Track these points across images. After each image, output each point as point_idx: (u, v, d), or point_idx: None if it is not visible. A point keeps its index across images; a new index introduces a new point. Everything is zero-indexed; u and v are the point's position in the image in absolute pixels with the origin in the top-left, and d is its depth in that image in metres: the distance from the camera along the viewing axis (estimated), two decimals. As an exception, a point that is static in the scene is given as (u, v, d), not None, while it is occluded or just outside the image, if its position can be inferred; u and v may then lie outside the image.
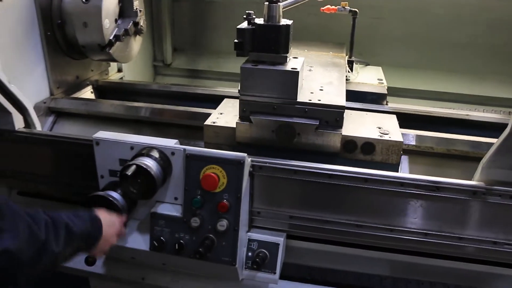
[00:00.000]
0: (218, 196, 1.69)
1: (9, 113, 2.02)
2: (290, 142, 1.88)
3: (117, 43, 2.40)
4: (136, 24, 2.48)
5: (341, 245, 1.90)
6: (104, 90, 2.83)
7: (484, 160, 1.65)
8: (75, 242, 1.49)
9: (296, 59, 1.94)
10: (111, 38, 2.37)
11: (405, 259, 1.88)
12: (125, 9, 2.45)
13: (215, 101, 2.58)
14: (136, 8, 2.47)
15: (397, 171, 1.89)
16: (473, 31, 3.25)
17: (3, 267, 1.23)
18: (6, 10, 2.00)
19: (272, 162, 1.78)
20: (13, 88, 1.99)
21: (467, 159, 2.02)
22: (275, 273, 1.82)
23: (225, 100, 2.27)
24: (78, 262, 1.97)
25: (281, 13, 1.86)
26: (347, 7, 2.52)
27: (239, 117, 1.93)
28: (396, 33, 3.37)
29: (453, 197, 1.66)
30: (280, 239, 1.83)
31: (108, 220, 1.64)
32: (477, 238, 1.71)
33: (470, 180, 1.70)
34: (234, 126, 1.94)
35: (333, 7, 2.55)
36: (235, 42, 1.85)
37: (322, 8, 2.57)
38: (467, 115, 2.39)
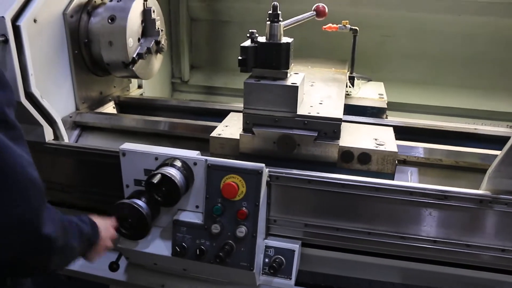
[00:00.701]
0: (238, 204, 1.79)
1: (40, 126, 2.16)
2: (290, 152, 1.99)
3: (140, 60, 2.53)
4: (157, 43, 2.61)
5: (354, 253, 1.97)
6: (125, 105, 2.96)
7: (490, 170, 1.73)
8: (83, 242, 1.57)
9: (297, 75, 2.07)
10: (134, 56, 2.49)
11: (416, 267, 1.94)
12: (147, 29, 2.58)
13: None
14: (158, 28, 2.60)
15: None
16: (479, 47, 3.34)
17: (44, 252, 1.31)
18: (39, 30, 2.13)
19: (287, 172, 1.88)
20: (45, 103, 2.14)
21: (475, 170, 2.09)
22: (290, 278, 1.90)
23: (231, 113, 2.41)
24: (100, 269, 2.09)
25: (282, 32, 1.99)
26: (348, 25, 2.63)
27: (242, 129, 2.06)
28: (405, 50, 3.47)
29: (461, 205, 1.74)
30: (295, 246, 1.92)
31: (103, 224, 1.72)
32: (485, 245, 1.78)
33: (478, 189, 1.78)
34: (238, 137, 2.06)
35: (334, 25, 2.65)
36: (239, 59, 1.99)
37: (324, 26, 2.67)
38: (475, 129, 2.46)
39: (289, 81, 1.97)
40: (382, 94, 2.74)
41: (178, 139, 2.49)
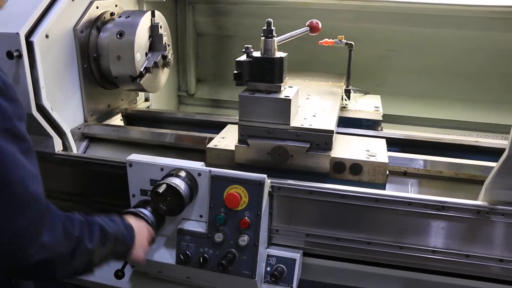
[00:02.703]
0: (240, 214, 1.84)
1: (50, 137, 2.23)
2: (284, 163, 2.06)
3: (147, 74, 2.60)
4: (164, 57, 2.69)
5: (354, 262, 2.00)
6: (133, 118, 3.03)
7: (487, 182, 1.77)
8: (110, 242, 1.59)
9: (291, 88, 2.13)
10: (141, 70, 2.57)
11: (415, 276, 1.96)
12: (155, 44, 2.66)
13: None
14: (165, 43, 2.68)
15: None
16: (481, 61, 3.39)
17: (40, 263, 1.33)
18: (51, 45, 2.21)
19: (289, 183, 1.93)
20: (55, 115, 2.21)
21: (475, 182, 2.12)
22: (292, 287, 1.93)
23: (228, 125, 2.49)
24: (105, 278, 2.13)
25: (276, 47, 2.06)
26: (344, 40, 2.69)
27: (238, 141, 2.13)
28: (408, 64, 3.53)
29: (459, 216, 1.78)
30: (297, 255, 1.95)
31: (139, 226, 1.77)
32: (483, 255, 1.81)
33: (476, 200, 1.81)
34: (233, 148, 2.13)
35: (330, 40, 2.72)
36: (234, 72, 2.07)
37: (320, 41, 2.74)
38: (476, 141, 2.49)
39: (282, 94, 2.04)
40: (378, 107, 2.79)
41: (184, 151, 2.55)
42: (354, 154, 2.09)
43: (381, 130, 2.57)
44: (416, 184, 2.21)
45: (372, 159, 2.03)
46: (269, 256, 1.96)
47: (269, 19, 2.05)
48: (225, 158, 2.16)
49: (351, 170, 2.04)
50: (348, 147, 2.17)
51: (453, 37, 3.37)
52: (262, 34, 2.05)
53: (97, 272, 1.72)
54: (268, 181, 1.86)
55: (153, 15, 2.62)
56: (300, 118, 2.16)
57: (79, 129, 2.57)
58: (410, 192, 2.15)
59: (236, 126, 2.19)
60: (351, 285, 2.06)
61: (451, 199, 1.80)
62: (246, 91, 2.09)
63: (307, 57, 3.49)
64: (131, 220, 1.77)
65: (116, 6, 2.74)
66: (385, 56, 3.54)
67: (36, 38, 2.07)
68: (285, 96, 2.02)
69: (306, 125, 2.06)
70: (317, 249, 1.98)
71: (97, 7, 2.58)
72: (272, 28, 2.05)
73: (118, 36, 2.50)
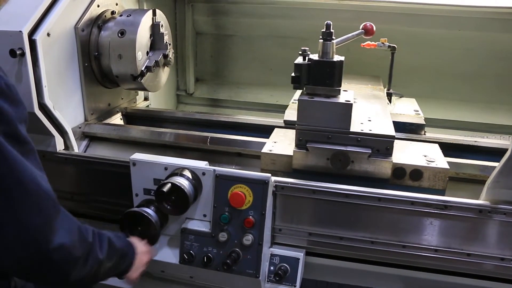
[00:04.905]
0: (244, 213, 1.85)
1: (52, 136, 2.22)
2: (344, 169, 2.00)
3: (148, 73, 2.60)
4: (165, 56, 2.69)
5: (357, 261, 2.02)
6: (132, 117, 3.02)
7: (489, 181, 1.79)
8: (116, 257, 1.62)
9: (346, 92, 2.07)
10: (142, 69, 2.57)
11: (418, 275, 1.98)
12: (156, 43, 2.66)
13: (235, 128, 2.78)
14: (166, 42, 2.67)
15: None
16: (479, 62, 3.41)
17: (59, 262, 1.36)
18: (52, 44, 2.20)
19: (292, 183, 1.93)
20: (57, 114, 2.20)
21: (475, 181, 2.14)
22: (295, 286, 1.94)
23: (276, 129, 2.40)
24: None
25: (334, 50, 2.00)
26: (386, 43, 2.68)
27: (295, 145, 2.06)
28: (406, 65, 3.53)
29: (461, 215, 1.80)
30: (300, 254, 1.97)
31: (141, 247, 1.79)
32: (485, 254, 1.83)
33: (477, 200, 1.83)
34: (290, 153, 2.06)
35: (373, 43, 2.69)
36: (292, 76, 2.00)
37: (362, 44, 2.70)
38: (475, 141, 2.52)
39: (342, 99, 1.99)
40: (417, 110, 2.76)
41: (183, 150, 2.55)
42: (414, 159, 2.03)
43: (424, 134, 2.55)
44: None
45: (432, 164, 1.99)
46: (272, 255, 1.97)
47: (329, 22, 1.99)
48: (281, 163, 2.09)
49: (411, 176, 1.99)
50: (405, 152, 2.12)
51: (451, 37, 3.39)
52: (321, 37, 1.99)
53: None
54: (272, 180, 1.86)
55: (154, 14, 2.62)
56: (356, 122, 2.09)
57: (80, 128, 2.56)
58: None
59: (284, 130, 2.17)
60: (354, 284, 2.08)
61: (453, 199, 1.81)
62: (304, 95, 2.02)
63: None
64: (135, 240, 1.78)
65: (117, 4, 2.73)
66: (382, 56, 3.54)
67: (38, 37, 2.06)
68: (346, 101, 1.97)
69: (366, 130, 2.01)
70: (320, 248, 1.99)
71: (98, 6, 2.57)
72: (332, 30, 1.98)
73: (120, 35, 2.50)
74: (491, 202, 1.78)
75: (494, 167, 1.83)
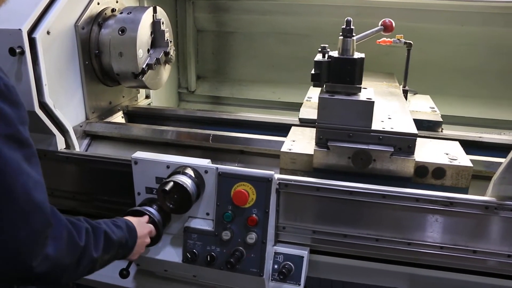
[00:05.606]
0: (248, 211, 1.83)
1: (53, 135, 2.21)
2: (366, 167, 1.96)
3: (149, 71, 2.58)
4: (166, 53, 2.66)
5: (362, 259, 2.00)
6: (134, 115, 3.00)
7: (495, 177, 1.77)
8: (113, 249, 1.60)
9: (366, 90, 2.03)
10: (143, 66, 2.55)
11: (423, 273, 1.96)
12: (157, 40, 2.64)
13: (237, 125, 2.75)
14: (167, 39, 2.65)
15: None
16: (482, 57, 3.39)
17: (45, 273, 1.32)
18: (52, 42, 2.19)
19: (296, 180, 1.91)
20: (58, 113, 2.19)
21: (480, 178, 2.11)
22: (299, 284, 1.93)
23: (293, 128, 2.36)
24: (110, 277, 2.11)
25: (354, 47, 1.96)
26: (402, 40, 2.64)
27: (316, 144, 2.02)
28: (411, 61, 3.52)
29: (467, 211, 1.77)
30: (304, 252, 1.95)
31: (140, 224, 1.77)
32: (491, 251, 1.81)
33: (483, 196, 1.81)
34: (310, 152, 2.03)
35: (388, 39, 2.65)
36: (312, 73, 1.96)
37: (378, 40, 2.66)
38: (480, 137, 2.49)
39: (363, 96, 1.95)
40: (433, 107, 2.73)
41: (185, 148, 2.53)
42: (436, 157, 2.00)
43: (441, 131, 2.52)
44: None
45: (455, 162, 1.95)
46: (276, 253, 1.95)
47: (349, 18, 1.95)
48: (301, 162, 2.05)
49: (434, 174, 1.95)
50: (426, 150, 2.08)
51: (454, 32, 3.37)
52: (341, 33, 1.95)
53: (102, 271, 1.71)
54: (275, 178, 1.84)
55: (155, 11, 2.60)
56: (377, 120, 2.04)
57: (81, 126, 2.54)
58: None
59: (302, 129, 2.12)
60: (358, 282, 2.06)
61: (459, 195, 1.79)
62: (324, 93, 1.98)
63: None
64: (133, 220, 1.76)
65: (117, 2, 2.71)
66: (386, 52, 3.52)
67: (38, 35, 2.05)
68: (367, 98, 1.93)
69: (388, 128, 1.97)
70: (324, 246, 1.97)
71: (98, 3, 2.56)
72: (352, 27, 1.95)
73: (120, 32, 2.48)
74: (498, 198, 1.76)
75: (500, 163, 1.81)
